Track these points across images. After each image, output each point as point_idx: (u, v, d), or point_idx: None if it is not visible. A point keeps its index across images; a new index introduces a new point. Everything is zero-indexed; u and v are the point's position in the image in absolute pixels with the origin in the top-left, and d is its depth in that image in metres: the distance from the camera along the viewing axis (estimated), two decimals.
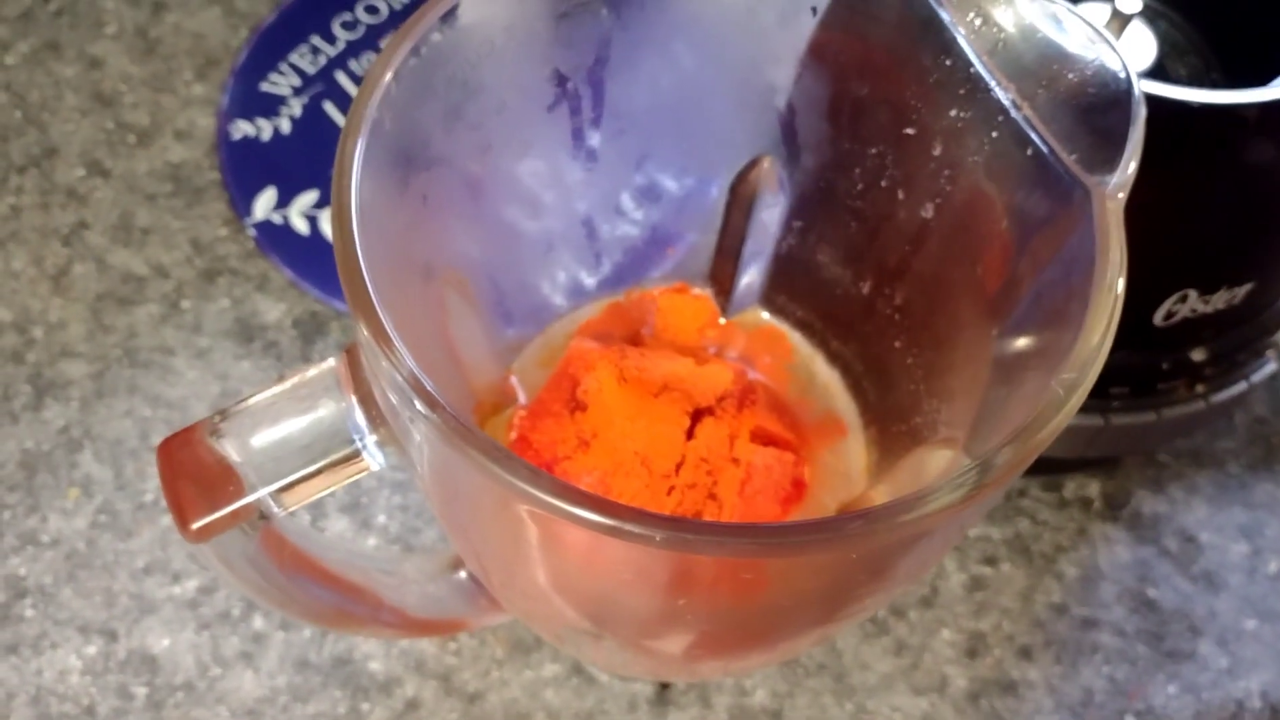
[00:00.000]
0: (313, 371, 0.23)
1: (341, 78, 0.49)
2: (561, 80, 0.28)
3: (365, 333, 0.20)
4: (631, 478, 0.30)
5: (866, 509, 0.18)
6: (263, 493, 0.22)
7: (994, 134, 0.25)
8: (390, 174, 0.24)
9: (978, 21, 0.24)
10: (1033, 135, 0.23)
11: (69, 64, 0.49)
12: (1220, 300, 0.32)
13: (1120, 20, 0.33)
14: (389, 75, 0.22)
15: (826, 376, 0.34)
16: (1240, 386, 0.35)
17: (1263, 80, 0.31)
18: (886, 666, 0.39)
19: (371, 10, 0.50)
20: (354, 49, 0.50)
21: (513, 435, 0.32)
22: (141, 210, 0.46)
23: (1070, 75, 0.23)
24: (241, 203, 0.46)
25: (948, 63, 0.25)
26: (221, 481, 0.22)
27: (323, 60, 0.49)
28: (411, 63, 0.23)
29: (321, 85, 0.49)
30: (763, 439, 0.31)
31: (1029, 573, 0.41)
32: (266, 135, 0.47)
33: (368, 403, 0.22)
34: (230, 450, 0.23)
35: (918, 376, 0.30)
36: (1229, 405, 0.36)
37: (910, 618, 0.40)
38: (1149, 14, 0.36)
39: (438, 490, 0.23)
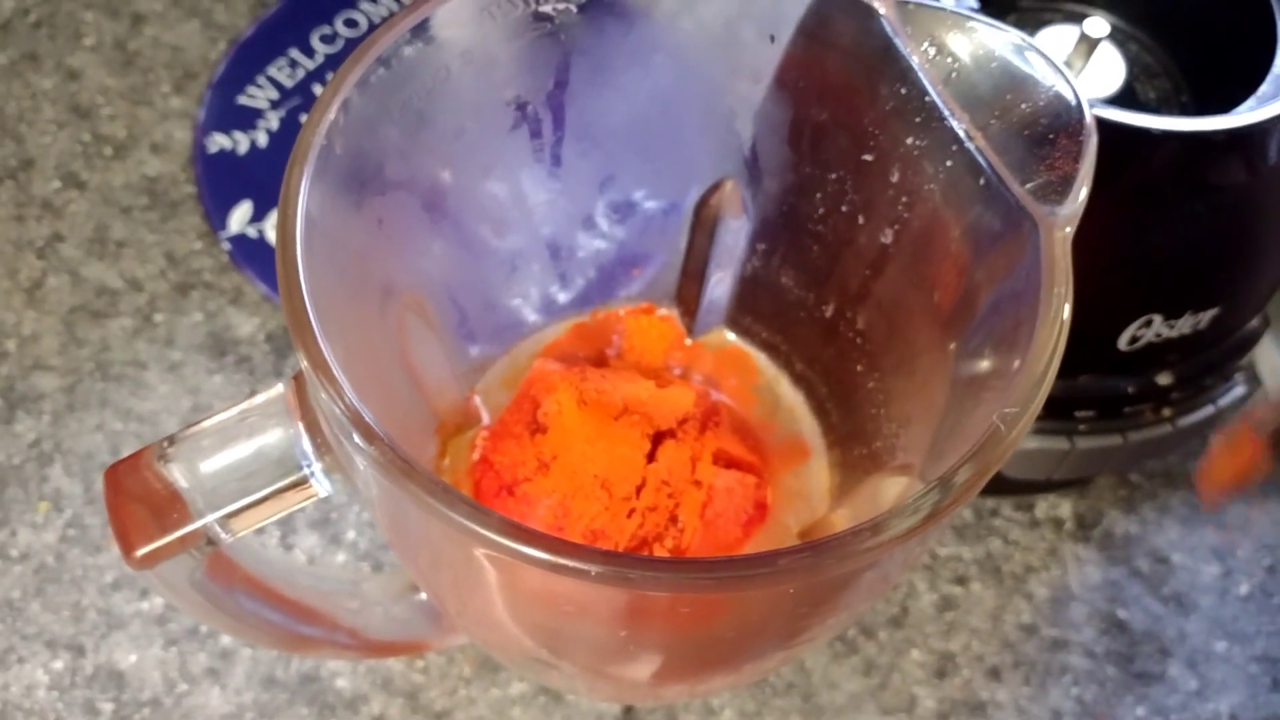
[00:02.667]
0: (260, 398, 0.23)
1: (319, 91, 0.49)
2: (521, 104, 0.28)
3: (305, 363, 0.20)
4: (591, 500, 0.29)
5: (806, 543, 0.18)
6: (210, 519, 0.22)
7: (948, 163, 0.25)
8: (342, 199, 0.24)
9: (932, 50, 0.24)
10: (985, 165, 0.23)
11: (47, 75, 0.49)
12: (1186, 325, 0.32)
13: (1088, 43, 0.33)
14: (338, 103, 0.22)
15: (791, 398, 0.34)
16: (1207, 410, 0.35)
17: (1233, 101, 0.31)
18: (855, 686, 0.39)
19: (350, 24, 0.50)
20: (332, 62, 0.50)
21: (475, 456, 0.32)
22: (117, 223, 0.46)
23: (1024, 105, 0.23)
24: (216, 216, 0.46)
25: (903, 91, 0.25)
26: (168, 507, 0.22)
27: (301, 74, 0.49)
28: (362, 90, 0.23)
29: (299, 99, 0.49)
30: (725, 461, 0.31)
31: (999, 593, 0.41)
32: (243, 148, 0.47)
33: (314, 430, 0.22)
34: (178, 476, 0.23)
35: (879, 400, 0.30)
36: (1197, 429, 0.36)
37: (879, 637, 0.40)
38: (1118, 36, 0.36)
39: (385, 519, 0.23)
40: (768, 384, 0.34)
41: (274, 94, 0.49)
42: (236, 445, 0.23)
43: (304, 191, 0.21)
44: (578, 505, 0.29)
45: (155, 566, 0.22)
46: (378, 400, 0.26)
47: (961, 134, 0.24)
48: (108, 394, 0.43)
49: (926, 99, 0.24)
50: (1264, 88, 0.31)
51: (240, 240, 0.45)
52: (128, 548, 0.22)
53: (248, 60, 0.50)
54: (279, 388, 0.23)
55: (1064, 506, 0.42)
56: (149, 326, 0.44)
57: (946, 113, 0.24)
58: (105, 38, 0.50)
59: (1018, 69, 0.24)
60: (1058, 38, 0.35)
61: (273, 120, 0.48)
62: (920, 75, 0.24)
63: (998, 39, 0.24)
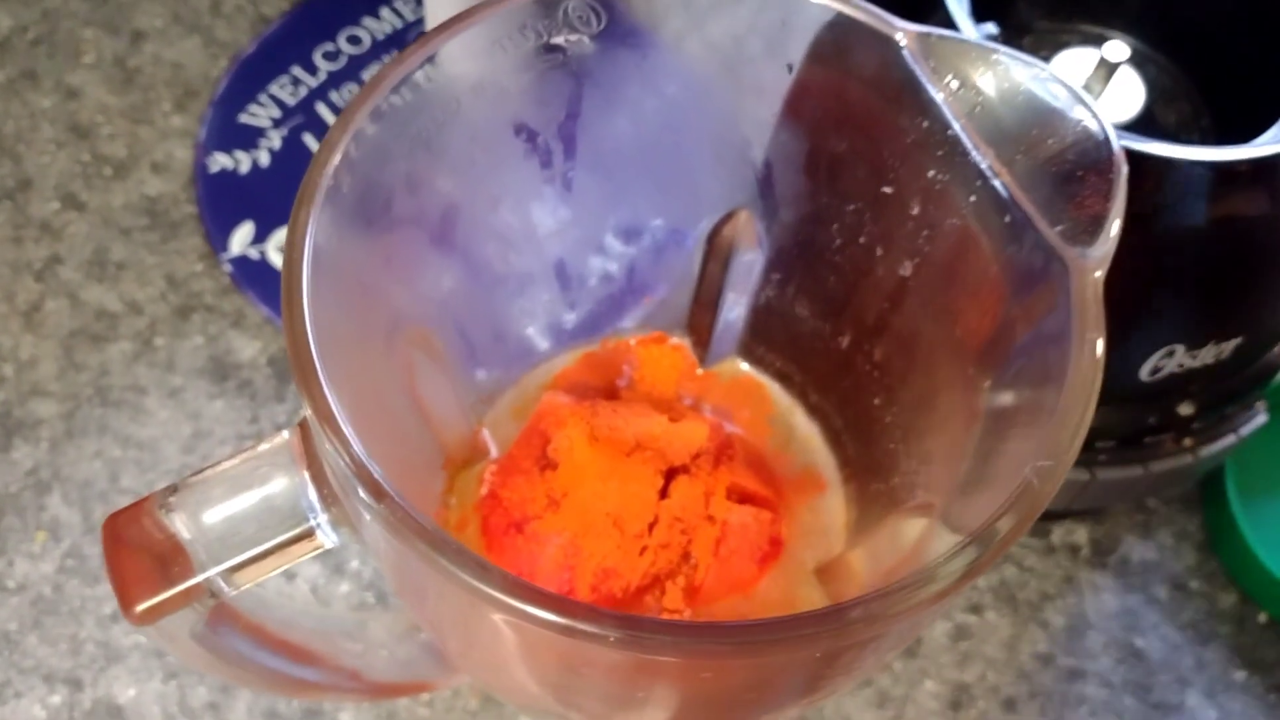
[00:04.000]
0: (265, 445, 0.22)
1: (322, 109, 0.48)
2: (531, 136, 0.27)
3: (310, 414, 0.19)
4: (603, 539, 0.29)
5: (830, 608, 0.18)
6: (213, 572, 0.22)
7: (972, 198, 0.24)
8: (349, 238, 0.23)
9: (955, 84, 0.23)
10: (1010, 203, 0.23)
11: (46, 94, 0.49)
12: (1208, 355, 0.32)
13: (1107, 68, 0.33)
14: (346, 140, 0.22)
15: (806, 430, 0.33)
16: (1229, 439, 0.34)
17: (1254, 126, 0.31)
18: (869, 719, 0.38)
19: (354, 41, 0.50)
20: (335, 80, 0.49)
21: (483, 491, 0.31)
22: (116, 244, 0.46)
23: (1050, 141, 0.23)
24: (218, 237, 0.45)
25: (925, 124, 0.24)
26: (169, 560, 0.22)
27: (303, 91, 0.48)
28: (371, 125, 0.22)
29: (302, 117, 0.48)
30: (739, 496, 0.31)
31: (1014, 621, 0.40)
32: (245, 168, 0.47)
33: (320, 480, 0.21)
34: (181, 527, 0.22)
35: (897, 435, 0.29)
36: (1218, 458, 0.35)
37: (893, 668, 0.39)
38: (1137, 59, 0.35)
39: (392, 571, 0.22)
40: (782, 415, 0.33)
41: (276, 112, 0.48)
42: (241, 495, 0.22)
43: (310, 234, 0.21)
44: (589, 544, 0.29)
45: (156, 622, 0.21)
46: (384, 438, 0.25)
47: (986, 170, 0.23)
48: (107, 420, 0.42)
49: (949, 133, 0.24)
50: None
51: (242, 262, 0.45)
52: (127, 603, 0.21)
53: (249, 78, 0.49)
54: (284, 435, 0.22)
55: (1080, 533, 0.42)
56: (149, 351, 0.43)
57: (970, 147, 0.23)
58: (105, 55, 0.50)
59: (1044, 103, 0.23)
60: (1076, 61, 0.34)
61: (275, 139, 0.47)
62: (943, 109, 0.24)
63: (1023, 72, 0.23)
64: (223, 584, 0.22)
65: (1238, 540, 0.39)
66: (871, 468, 0.31)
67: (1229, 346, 0.32)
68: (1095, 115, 0.22)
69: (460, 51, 0.23)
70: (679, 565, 0.30)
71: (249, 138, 0.47)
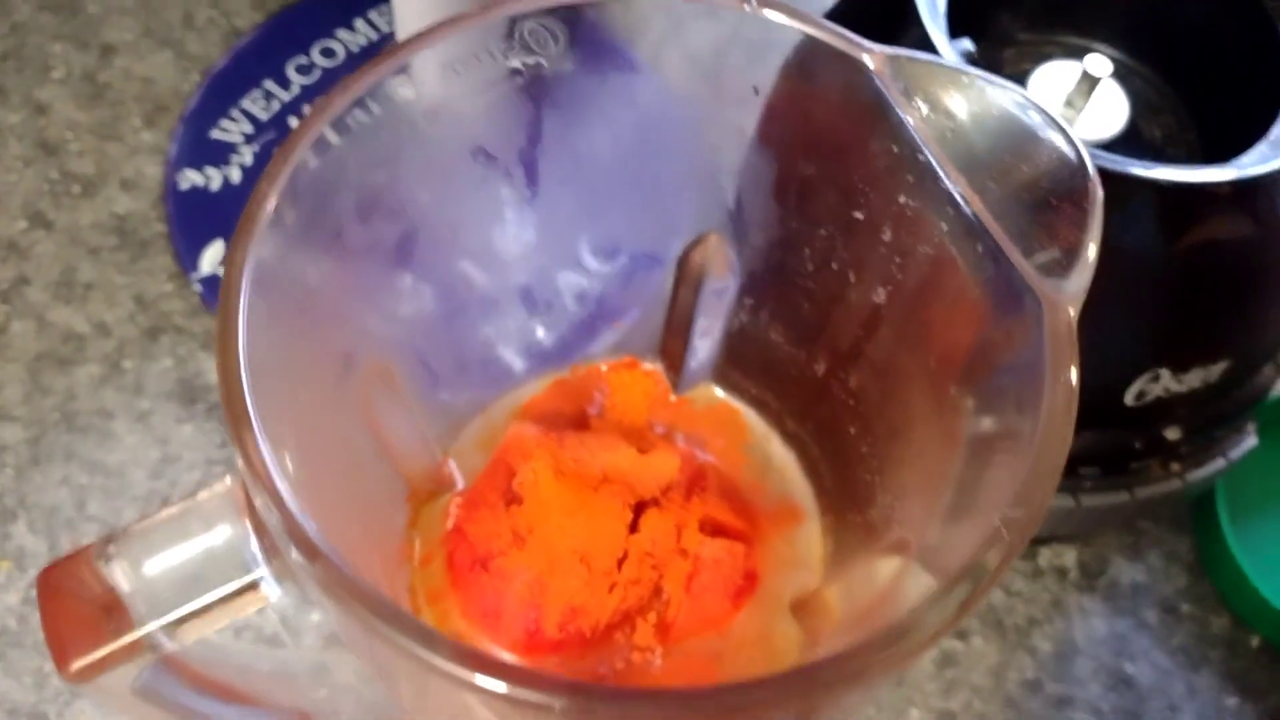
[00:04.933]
0: (205, 494, 0.21)
1: (295, 124, 0.47)
2: (490, 160, 0.26)
3: (242, 466, 0.18)
4: (570, 576, 0.28)
5: (796, 669, 0.17)
6: (153, 626, 0.21)
7: (944, 225, 0.23)
8: (296, 271, 0.22)
9: (925, 108, 0.23)
10: (982, 232, 0.22)
11: (13, 110, 0.48)
12: (1195, 379, 0.31)
13: (1090, 81, 0.32)
14: (287, 171, 0.21)
15: (783, 458, 0.32)
16: (1218, 464, 0.34)
17: (1241, 138, 0.30)
18: None
19: (328, 54, 0.49)
20: (309, 93, 0.48)
21: (449, 524, 0.30)
22: (84, 264, 0.45)
23: (1024, 167, 0.22)
24: (188, 256, 0.44)
25: (895, 149, 0.23)
26: (107, 614, 0.21)
27: (276, 106, 0.48)
28: (316, 155, 0.22)
29: (274, 132, 0.47)
30: (712, 529, 0.30)
31: (1001, 647, 0.39)
32: (216, 185, 0.46)
33: (262, 531, 0.20)
34: (120, 578, 0.21)
35: (873, 466, 0.28)
36: (1207, 482, 0.34)
37: (877, 698, 0.38)
38: (1121, 71, 0.34)
39: (339, 628, 0.21)
40: (758, 442, 0.32)
41: (248, 127, 0.47)
42: (183, 544, 0.21)
43: (248, 273, 0.20)
44: (556, 581, 0.28)
45: (93, 680, 0.21)
46: (338, 475, 0.24)
47: (957, 197, 0.22)
48: (74, 446, 0.41)
49: (920, 158, 0.23)
50: (1275, 131, 0.29)
51: (212, 281, 0.44)
52: (62, 660, 0.20)
53: (221, 92, 0.48)
54: (226, 481, 0.21)
55: (1068, 555, 0.41)
56: (117, 374, 0.43)
57: (941, 173, 0.22)
58: (74, 70, 0.49)
59: (1017, 127, 0.22)
60: (1058, 74, 0.33)
61: (246, 155, 0.46)
62: (913, 133, 0.23)
63: (996, 95, 0.22)
64: (164, 638, 0.21)
65: (1229, 563, 0.38)
66: (849, 499, 0.30)
67: (1217, 370, 0.31)
68: (1071, 140, 0.21)
69: (411, 77, 0.22)
70: (650, 602, 0.29)
71: (220, 154, 0.47)
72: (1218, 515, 0.38)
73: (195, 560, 0.21)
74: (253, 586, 0.21)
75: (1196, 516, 0.40)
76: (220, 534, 0.21)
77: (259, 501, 0.18)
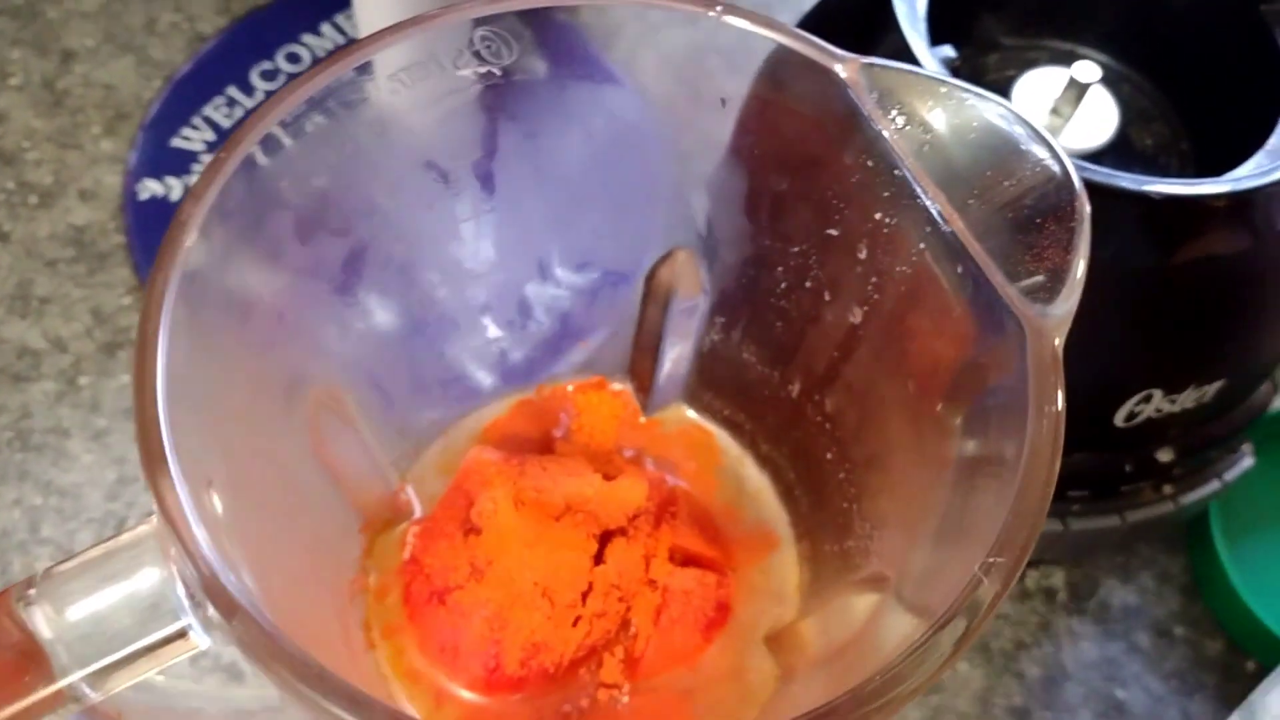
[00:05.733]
0: (128, 535, 0.19)
1: None
2: (443, 174, 0.25)
3: (157, 511, 0.16)
4: (531, 611, 0.26)
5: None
6: (75, 677, 0.19)
7: (922, 245, 0.22)
8: (229, 298, 0.21)
9: (901, 120, 0.21)
10: (963, 252, 0.20)
11: None
12: (1189, 399, 0.29)
13: (1078, 88, 0.30)
14: (215, 189, 0.19)
15: (757, 482, 0.31)
16: (1212, 485, 0.32)
17: (1236, 146, 0.29)
18: None
19: (293, 59, 0.47)
20: None
21: (405, 555, 0.28)
22: (41, 278, 0.43)
23: (1006, 184, 0.20)
24: (147, 269, 0.42)
25: (870, 163, 0.22)
26: (26, 664, 0.19)
27: (239, 113, 0.46)
28: (247, 173, 0.20)
29: None
30: (683, 558, 0.28)
31: (988, 672, 0.38)
32: (176, 194, 0.44)
33: (186, 581, 0.19)
34: (41, 624, 0.19)
35: (850, 494, 0.27)
36: (1201, 504, 0.33)
37: None
38: (1111, 78, 0.33)
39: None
40: (731, 466, 0.31)
41: (210, 135, 0.45)
42: (108, 588, 0.20)
43: (169, 301, 0.18)
44: (516, 616, 0.26)
45: None
46: (281, 510, 0.23)
47: (936, 215, 0.21)
48: (27, 465, 0.40)
49: (896, 173, 0.21)
50: (1272, 141, 0.28)
51: None
52: None
53: (183, 99, 0.46)
54: (153, 522, 0.19)
55: (1057, 576, 0.39)
56: (73, 391, 0.41)
57: (919, 189, 0.21)
58: (33, 76, 0.47)
59: (999, 141, 0.21)
60: (1045, 81, 0.32)
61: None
62: (888, 146, 0.21)
63: (976, 106, 0.21)
64: (88, 689, 0.20)
65: (1225, 586, 0.37)
66: (825, 527, 0.28)
67: (1211, 390, 0.30)
68: (1056, 154, 0.20)
69: (352, 88, 0.21)
70: (617, 636, 0.28)
71: (181, 162, 0.45)
72: (1212, 536, 0.37)
73: (120, 606, 0.19)
74: (181, 634, 0.19)
75: (1190, 536, 0.39)
76: (146, 578, 0.19)
77: (174, 552, 0.16)
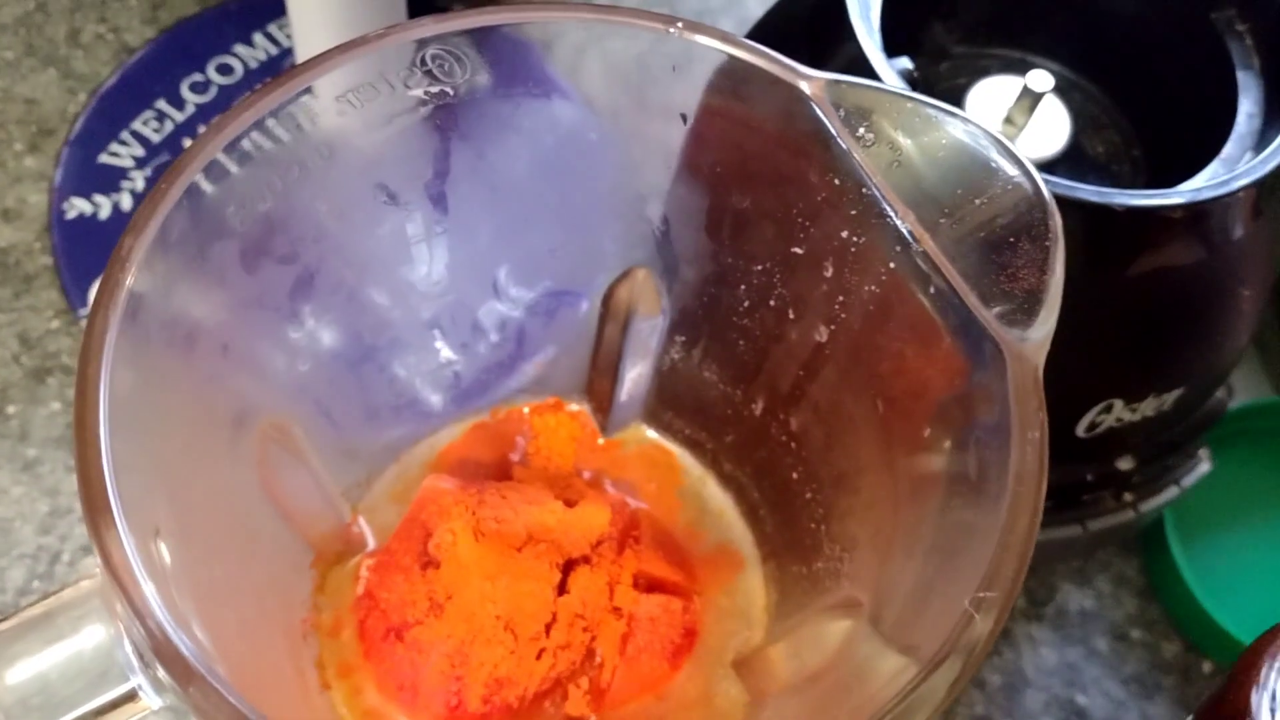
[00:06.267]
0: (70, 592, 0.18)
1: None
2: (393, 197, 0.24)
3: (102, 568, 0.15)
4: (493, 645, 0.26)
5: None
6: None
7: (892, 264, 0.21)
8: (171, 329, 0.20)
9: (869, 137, 0.21)
10: (934, 274, 0.20)
11: None
12: (1148, 408, 0.29)
13: (1031, 97, 0.30)
14: (157, 221, 0.18)
15: (720, 502, 0.30)
16: (1171, 492, 0.32)
17: (1187, 157, 0.29)
18: None
19: (225, 70, 0.46)
20: (205, 113, 0.45)
21: (359, 589, 0.27)
22: None
23: (978, 202, 0.20)
24: (76, 291, 0.41)
25: (836, 181, 0.21)
26: None
27: (169, 127, 0.44)
28: (190, 201, 0.19)
29: (168, 155, 0.44)
30: (647, 584, 0.28)
31: None
32: (105, 213, 0.43)
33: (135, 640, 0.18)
34: None
35: (818, 515, 0.26)
36: (1159, 511, 0.33)
37: None
38: (1063, 85, 0.33)
39: None
40: (692, 487, 0.30)
41: (139, 151, 0.44)
42: (49, 649, 0.18)
43: (112, 334, 0.17)
44: (478, 651, 0.26)
45: None
46: (226, 550, 0.22)
47: (906, 234, 0.20)
48: None
49: (864, 191, 0.21)
50: (1228, 149, 0.28)
51: None
52: None
53: (110, 114, 0.45)
54: (96, 576, 0.18)
55: None
56: (1, 420, 0.39)
57: (888, 208, 0.21)
58: None
59: (970, 158, 0.20)
60: (997, 90, 0.32)
61: (138, 181, 0.43)
62: (855, 164, 0.21)
63: (946, 123, 0.20)
64: None
65: (1180, 588, 0.37)
66: (792, 547, 0.28)
67: (1170, 398, 0.29)
68: (1028, 172, 0.20)
69: (297, 111, 0.20)
70: (582, 666, 0.27)
71: (110, 180, 0.43)
72: (1167, 539, 0.37)
73: (65, 666, 0.18)
74: (131, 697, 0.18)
75: (1145, 540, 0.39)
76: (90, 636, 0.18)
77: (121, 610, 0.15)
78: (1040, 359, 0.18)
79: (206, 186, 0.19)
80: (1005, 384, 0.18)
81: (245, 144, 0.19)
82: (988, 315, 0.19)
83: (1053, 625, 0.39)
